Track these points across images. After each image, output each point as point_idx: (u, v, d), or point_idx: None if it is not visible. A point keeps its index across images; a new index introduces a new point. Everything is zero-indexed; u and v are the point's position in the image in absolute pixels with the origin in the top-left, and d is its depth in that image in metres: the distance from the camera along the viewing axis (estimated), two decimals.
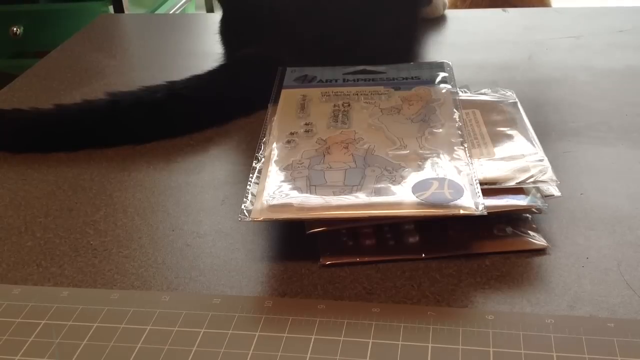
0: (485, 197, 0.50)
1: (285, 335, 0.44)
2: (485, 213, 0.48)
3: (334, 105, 0.62)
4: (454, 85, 0.65)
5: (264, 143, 0.58)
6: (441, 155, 0.54)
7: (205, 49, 0.85)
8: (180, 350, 0.43)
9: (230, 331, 0.44)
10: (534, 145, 0.57)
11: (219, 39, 0.81)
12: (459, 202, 0.49)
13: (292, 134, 0.58)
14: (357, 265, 0.50)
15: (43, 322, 0.46)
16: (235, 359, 0.42)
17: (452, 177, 0.51)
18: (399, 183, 0.51)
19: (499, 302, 0.46)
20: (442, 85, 0.65)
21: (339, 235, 0.51)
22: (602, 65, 0.78)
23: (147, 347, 0.43)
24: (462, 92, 0.66)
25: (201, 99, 0.70)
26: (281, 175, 0.53)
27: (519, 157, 0.55)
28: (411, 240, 0.51)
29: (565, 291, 0.47)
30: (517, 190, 0.52)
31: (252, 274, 0.50)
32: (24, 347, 0.44)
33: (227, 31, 0.81)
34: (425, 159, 0.54)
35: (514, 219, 0.52)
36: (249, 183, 0.53)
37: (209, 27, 0.91)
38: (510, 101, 0.65)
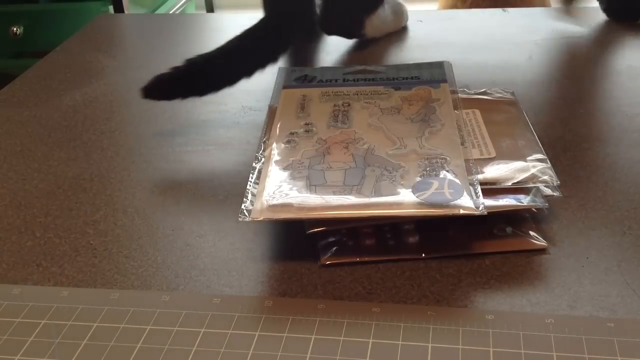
0: (485, 197, 0.50)
1: (285, 335, 0.44)
2: (485, 213, 0.48)
3: (334, 105, 0.62)
4: (453, 85, 0.65)
5: (264, 143, 0.58)
6: (441, 155, 0.54)
7: (205, 49, 0.85)
8: (180, 350, 0.43)
9: (230, 331, 0.44)
10: (534, 145, 0.57)
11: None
12: (458, 202, 0.49)
13: (292, 134, 0.58)
14: (357, 265, 0.50)
15: (43, 322, 0.46)
16: (235, 359, 0.42)
17: (452, 177, 0.51)
18: (399, 183, 0.51)
19: (499, 302, 0.46)
20: (442, 85, 0.65)
21: (339, 235, 0.51)
22: (602, 65, 0.78)
23: (147, 347, 0.43)
24: (462, 92, 0.66)
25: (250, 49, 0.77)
26: (281, 175, 0.53)
27: (519, 157, 0.55)
28: (411, 240, 0.51)
29: (565, 291, 0.47)
30: (518, 190, 0.52)
31: (252, 274, 0.50)
32: (24, 347, 0.44)
33: None
34: (425, 158, 0.54)
35: (514, 219, 0.52)
36: (249, 183, 0.53)
37: (209, 27, 0.91)
38: (511, 101, 0.65)
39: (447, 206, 0.49)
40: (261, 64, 0.77)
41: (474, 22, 0.94)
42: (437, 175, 0.52)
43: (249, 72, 0.76)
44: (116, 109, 0.75)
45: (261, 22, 0.80)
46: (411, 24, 0.92)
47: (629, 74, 0.76)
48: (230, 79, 0.75)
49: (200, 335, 0.44)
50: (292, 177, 0.53)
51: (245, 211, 0.50)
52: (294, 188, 0.51)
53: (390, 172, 0.52)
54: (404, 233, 0.51)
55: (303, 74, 0.69)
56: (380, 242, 0.51)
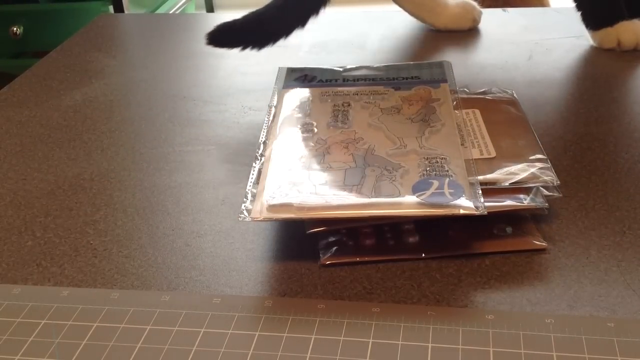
0: (485, 197, 0.50)
1: (285, 335, 0.44)
2: (486, 213, 0.48)
3: (334, 105, 0.62)
4: (453, 85, 0.65)
5: (264, 143, 0.58)
6: (441, 155, 0.54)
7: (205, 49, 0.85)
8: (180, 350, 0.43)
9: (230, 331, 0.44)
10: (534, 145, 0.57)
11: None
12: (458, 202, 0.49)
13: (292, 134, 0.58)
14: (357, 265, 0.50)
15: (43, 322, 0.46)
16: (235, 359, 0.42)
17: (452, 177, 0.51)
18: (399, 183, 0.51)
19: (499, 301, 0.46)
20: (442, 85, 0.65)
21: (339, 235, 0.51)
22: (602, 65, 0.78)
23: (147, 347, 0.43)
24: (462, 92, 0.66)
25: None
26: (281, 175, 0.53)
27: (519, 157, 0.55)
28: (411, 240, 0.51)
29: (565, 291, 0.47)
30: (518, 190, 0.52)
31: (252, 273, 0.50)
32: (24, 347, 0.44)
33: None
34: (425, 158, 0.54)
35: (514, 219, 0.52)
36: (249, 183, 0.53)
37: (209, 27, 0.90)
38: (511, 101, 0.65)
39: (447, 206, 0.49)
40: (312, 11, 0.80)
41: None
42: (437, 175, 0.52)
43: (302, 22, 0.80)
44: (116, 109, 0.75)
45: None
46: (409, 22, 0.92)
47: (629, 73, 0.76)
48: (286, 31, 0.79)
49: (200, 335, 0.44)
50: (292, 177, 0.53)
51: (245, 211, 0.50)
52: (294, 188, 0.51)
53: (390, 172, 0.52)
54: (403, 233, 0.51)
55: (303, 74, 0.69)
56: (380, 242, 0.51)
